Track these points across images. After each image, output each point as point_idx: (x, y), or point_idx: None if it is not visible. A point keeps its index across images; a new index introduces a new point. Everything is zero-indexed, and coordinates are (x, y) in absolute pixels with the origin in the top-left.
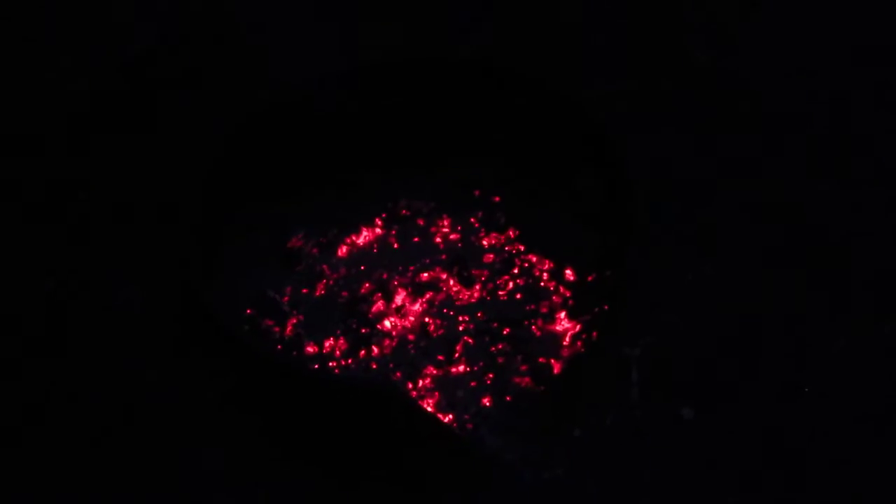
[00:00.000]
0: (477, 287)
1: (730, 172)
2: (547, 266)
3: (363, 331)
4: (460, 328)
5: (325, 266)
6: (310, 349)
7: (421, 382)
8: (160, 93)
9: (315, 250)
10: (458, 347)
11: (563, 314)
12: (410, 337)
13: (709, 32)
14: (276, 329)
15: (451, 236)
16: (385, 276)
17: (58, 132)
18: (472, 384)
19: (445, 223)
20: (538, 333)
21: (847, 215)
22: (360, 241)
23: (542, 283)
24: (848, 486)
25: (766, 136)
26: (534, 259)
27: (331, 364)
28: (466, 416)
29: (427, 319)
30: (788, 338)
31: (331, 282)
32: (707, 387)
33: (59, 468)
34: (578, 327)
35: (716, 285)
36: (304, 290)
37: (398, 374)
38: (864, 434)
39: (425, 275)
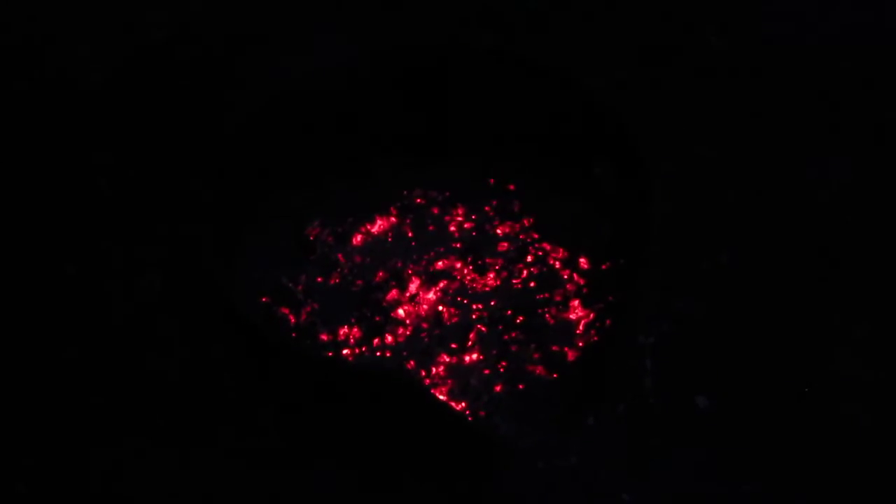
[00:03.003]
0: (491, 275)
1: (746, 159)
2: (561, 254)
3: (377, 319)
4: (474, 316)
5: (339, 255)
6: (324, 337)
7: (434, 370)
8: (177, 81)
9: (330, 239)
10: (471, 335)
11: (577, 302)
12: (424, 325)
13: (725, 17)
14: (291, 317)
15: (466, 225)
16: (399, 264)
17: (76, 122)
18: (486, 372)
19: (460, 212)
20: (552, 322)
21: (866, 202)
22: (375, 229)
23: (556, 272)
24: (865, 475)
25: (784, 121)
26: (548, 247)
27: (345, 352)
28: (479, 404)
29: (441, 308)
30: (805, 326)
31: (345, 270)
32: (722, 375)
33: (76, 456)
34: (592, 315)
35: (731, 273)
36: (319, 279)
37: (412, 362)
38: (882, 424)
39: (440, 263)
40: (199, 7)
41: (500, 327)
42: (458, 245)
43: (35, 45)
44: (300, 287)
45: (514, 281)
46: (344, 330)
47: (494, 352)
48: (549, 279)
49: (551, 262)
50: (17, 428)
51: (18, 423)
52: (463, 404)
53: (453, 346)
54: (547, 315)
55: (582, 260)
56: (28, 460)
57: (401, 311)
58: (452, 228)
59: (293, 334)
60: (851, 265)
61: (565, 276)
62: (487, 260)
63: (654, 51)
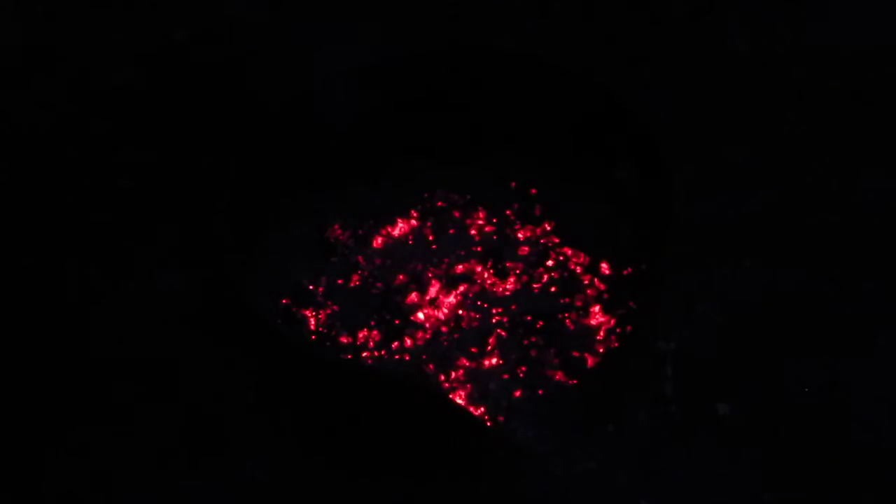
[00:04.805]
0: (511, 279)
1: (770, 163)
2: (582, 259)
3: (396, 322)
4: (493, 321)
5: (360, 257)
6: (343, 339)
7: (453, 374)
8: (199, 82)
9: (351, 241)
10: (490, 340)
11: (597, 308)
12: (443, 329)
13: (753, 18)
14: (311, 319)
15: (487, 228)
16: (419, 267)
17: (98, 121)
18: (505, 377)
19: (481, 215)
20: (572, 327)
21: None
22: (396, 232)
23: (576, 277)
24: (887, 483)
25: (811, 124)
26: (569, 252)
27: (364, 354)
28: (498, 409)
29: (460, 311)
30: (828, 333)
31: (366, 273)
32: (743, 382)
33: (83, 454)
34: (613, 321)
35: (754, 279)
36: (340, 281)
37: (431, 365)
38: None
39: (460, 267)
40: (222, 8)
41: (520, 332)
42: (479, 248)
43: (57, 44)
44: (320, 289)
45: (535, 285)
46: (363, 333)
47: (514, 356)
48: (569, 284)
49: (572, 266)
50: (31, 425)
51: (35, 421)
52: (482, 409)
53: (473, 350)
54: (567, 320)
55: (603, 265)
56: (46, 453)
57: (420, 315)
58: (473, 232)
59: (313, 336)
60: (877, 272)
61: (586, 281)
62: (508, 264)
63: (679, 53)
